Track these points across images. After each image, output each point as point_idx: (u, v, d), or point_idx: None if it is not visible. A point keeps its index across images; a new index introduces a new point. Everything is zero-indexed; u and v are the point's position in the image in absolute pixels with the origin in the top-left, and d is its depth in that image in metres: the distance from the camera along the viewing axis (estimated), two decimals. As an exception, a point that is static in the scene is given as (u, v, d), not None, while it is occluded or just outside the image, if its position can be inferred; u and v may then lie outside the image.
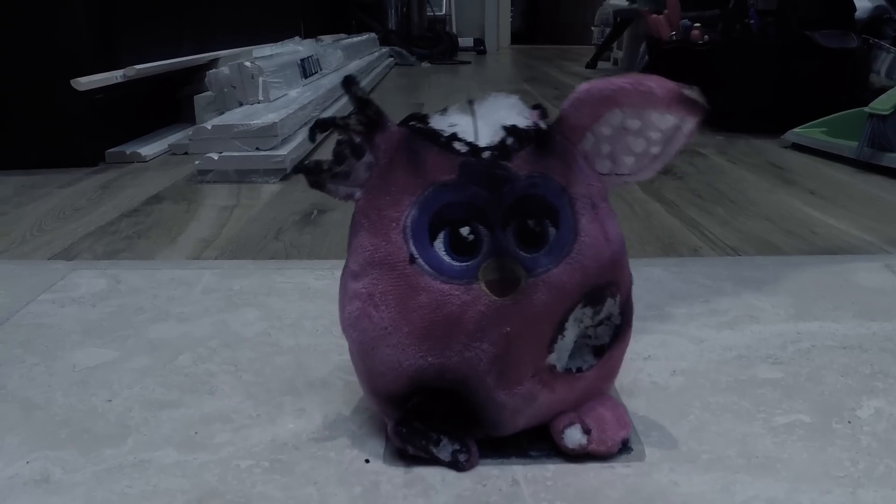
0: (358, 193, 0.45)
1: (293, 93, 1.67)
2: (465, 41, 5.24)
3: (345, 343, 0.46)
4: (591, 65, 3.81)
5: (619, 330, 0.46)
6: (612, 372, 0.49)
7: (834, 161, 1.41)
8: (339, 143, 0.44)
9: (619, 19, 3.57)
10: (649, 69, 2.37)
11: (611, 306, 0.45)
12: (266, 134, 1.24)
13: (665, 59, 2.12)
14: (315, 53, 2.02)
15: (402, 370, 0.44)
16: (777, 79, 1.70)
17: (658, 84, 0.43)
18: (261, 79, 1.52)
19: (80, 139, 1.43)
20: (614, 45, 3.81)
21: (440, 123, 0.45)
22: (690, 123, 0.44)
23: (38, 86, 1.38)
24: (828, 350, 0.60)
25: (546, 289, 0.43)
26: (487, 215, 0.43)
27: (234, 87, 1.51)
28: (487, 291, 0.42)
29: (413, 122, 0.45)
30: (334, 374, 0.56)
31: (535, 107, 0.47)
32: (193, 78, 1.75)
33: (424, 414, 0.45)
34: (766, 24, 1.71)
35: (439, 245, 0.43)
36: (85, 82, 1.31)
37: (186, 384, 0.55)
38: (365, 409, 0.51)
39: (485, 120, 0.45)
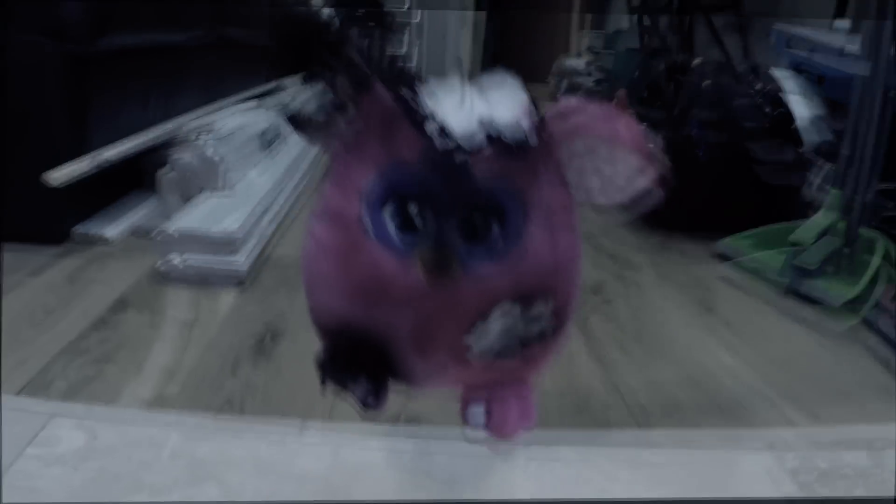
0: (336, 146, 0.49)
1: (254, 174, 1.77)
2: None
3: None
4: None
5: (548, 334, 0.50)
6: (536, 365, 0.53)
7: (758, 280, 1.55)
8: (324, 98, 0.47)
9: (574, 80, 3.72)
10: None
11: (541, 311, 0.48)
12: (226, 242, 1.35)
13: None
14: (277, 125, 2.13)
15: (332, 313, 0.49)
16: (714, 186, 1.83)
17: (626, 129, 0.47)
18: (222, 167, 1.62)
19: (46, 216, 1.52)
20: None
21: (432, 96, 0.47)
22: (651, 173, 0.48)
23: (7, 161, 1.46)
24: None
25: (475, 282, 0.46)
26: (437, 202, 0.46)
27: (197, 174, 1.61)
28: (420, 271, 0.46)
29: (403, 91, 0.47)
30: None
31: (530, 104, 0.49)
32: (156, 147, 1.85)
33: (349, 351, 0.49)
34: (707, 134, 1.84)
35: (388, 217, 0.46)
36: (58, 176, 1.41)
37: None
38: None
39: (477, 99, 0.47)
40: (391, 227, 0.46)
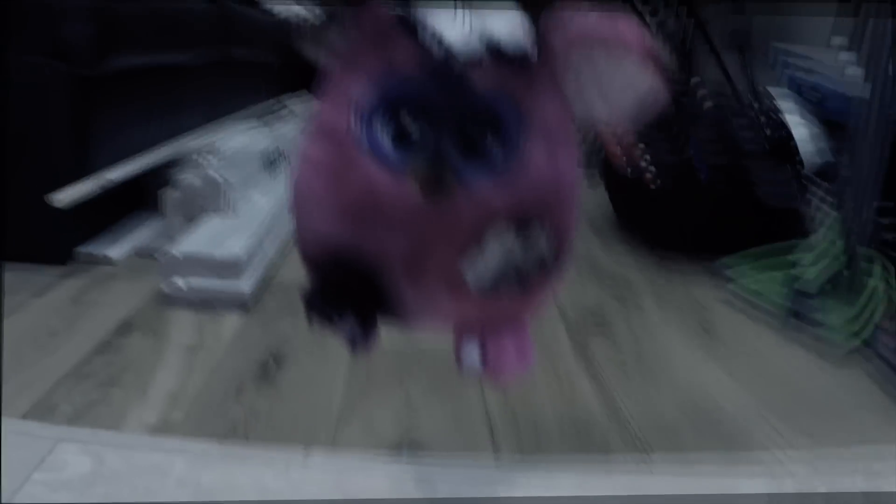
0: (331, 59, 0.48)
1: (258, 197, 1.78)
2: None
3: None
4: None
5: (547, 267, 0.48)
6: (533, 304, 0.51)
7: (762, 313, 1.55)
8: (322, 12, 0.47)
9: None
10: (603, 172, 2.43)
11: (539, 238, 0.47)
12: (230, 266, 1.36)
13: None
14: (279, 145, 2.14)
15: (321, 239, 0.48)
16: (715, 208, 1.83)
17: (629, 31, 0.45)
18: (226, 188, 1.63)
19: (50, 236, 1.52)
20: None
21: (430, 16, 0.46)
22: (658, 90, 0.46)
23: (11, 182, 1.47)
24: None
25: (472, 200, 0.45)
26: (436, 116, 0.44)
27: (202, 196, 1.62)
28: (414, 186, 0.45)
29: (402, 10, 0.47)
30: None
31: (532, 25, 0.48)
32: (160, 166, 1.86)
33: (338, 283, 0.48)
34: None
35: (382, 129, 0.45)
36: (63, 197, 1.42)
37: None
38: None
39: (477, 23, 0.46)
40: (385, 139, 0.45)
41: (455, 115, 0.45)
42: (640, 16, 2.65)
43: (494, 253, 0.46)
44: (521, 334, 0.51)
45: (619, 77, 0.47)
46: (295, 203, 0.50)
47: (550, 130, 0.47)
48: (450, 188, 0.44)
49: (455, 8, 0.47)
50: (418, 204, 0.45)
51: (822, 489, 0.91)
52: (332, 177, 0.46)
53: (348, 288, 0.48)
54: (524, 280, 0.48)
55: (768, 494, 0.91)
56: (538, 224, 0.47)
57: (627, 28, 0.46)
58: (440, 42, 0.45)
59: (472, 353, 0.50)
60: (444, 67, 0.45)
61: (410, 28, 0.46)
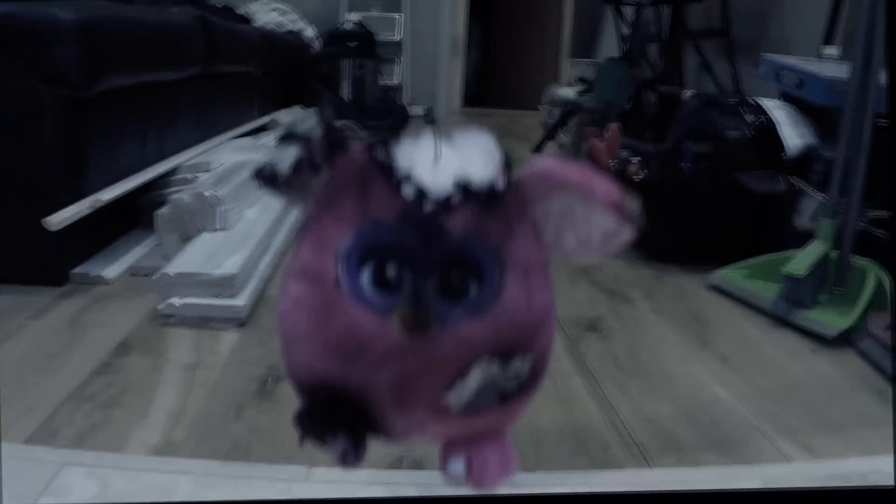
0: (310, 203, 0.50)
1: (251, 213, 1.79)
2: (418, 108, 5.36)
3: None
4: (538, 149, 3.98)
5: (525, 386, 0.51)
6: (512, 418, 0.54)
7: (752, 311, 1.58)
8: (299, 158, 0.49)
9: (567, 108, 3.75)
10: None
11: (519, 365, 0.49)
12: (225, 284, 1.37)
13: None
14: (273, 158, 2.15)
15: (311, 372, 0.50)
16: (707, 218, 1.87)
17: (602, 190, 0.49)
18: (220, 206, 1.64)
19: (45, 258, 1.53)
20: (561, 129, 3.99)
21: (405, 154, 0.48)
22: (627, 232, 0.49)
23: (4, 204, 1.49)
24: None
25: (454, 340, 0.47)
26: (416, 261, 0.46)
27: (194, 214, 1.63)
28: (398, 329, 0.47)
29: (377, 151, 0.49)
30: None
31: (505, 161, 0.50)
32: (152, 185, 1.87)
33: (327, 408, 0.50)
34: (700, 167, 1.87)
35: (365, 276, 0.47)
36: (57, 220, 1.43)
37: None
38: None
39: (451, 156, 0.48)
40: (368, 285, 0.47)
41: (433, 259, 0.46)
42: (629, 24, 2.69)
43: (475, 381, 0.48)
44: (503, 444, 0.54)
45: (592, 229, 0.50)
46: (282, 336, 0.52)
47: (525, 265, 0.49)
48: (431, 328, 0.46)
49: (436, 146, 0.49)
50: (402, 345, 0.47)
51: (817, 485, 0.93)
52: (315, 317, 0.48)
53: (337, 412, 0.50)
54: (504, 400, 0.50)
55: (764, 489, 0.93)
56: (518, 355, 0.49)
57: (602, 189, 0.48)
58: (416, 186, 0.47)
59: (456, 464, 0.52)
60: (420, 212, 0.46)
61: (390, 175, 0.47)
